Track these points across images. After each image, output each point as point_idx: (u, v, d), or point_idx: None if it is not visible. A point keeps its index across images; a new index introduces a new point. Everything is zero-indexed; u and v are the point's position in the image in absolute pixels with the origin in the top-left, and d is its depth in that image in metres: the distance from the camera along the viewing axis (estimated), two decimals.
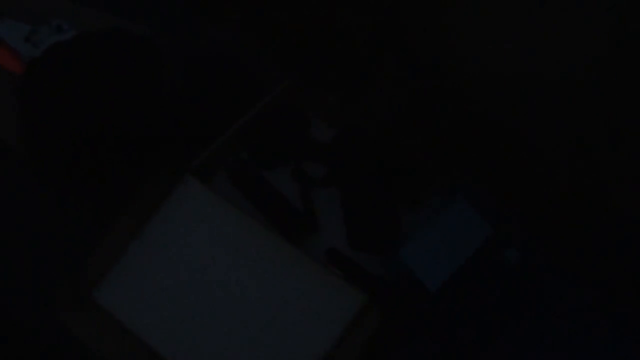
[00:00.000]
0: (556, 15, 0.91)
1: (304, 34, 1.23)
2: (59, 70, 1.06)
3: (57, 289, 0.96)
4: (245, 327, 0.94)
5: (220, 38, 1.25)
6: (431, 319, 1.00)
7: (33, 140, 1.05)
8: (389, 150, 1.07)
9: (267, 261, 0.97)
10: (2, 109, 1.14)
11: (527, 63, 1.00)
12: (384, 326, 0.96)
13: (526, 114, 1.07)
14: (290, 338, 0.93)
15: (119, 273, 0.99)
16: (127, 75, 1.05)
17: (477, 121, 1.13)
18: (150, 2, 1.29)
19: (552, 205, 1.08)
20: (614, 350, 0.99)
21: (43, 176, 1.10)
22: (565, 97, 1.01)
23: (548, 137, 1.06)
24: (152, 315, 0.96)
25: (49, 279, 1.01)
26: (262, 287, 0.96)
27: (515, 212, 1.08)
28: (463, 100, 1.13)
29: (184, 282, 0.98)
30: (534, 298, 1.03)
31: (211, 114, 1.12)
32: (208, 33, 1.26)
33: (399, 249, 0.98)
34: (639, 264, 1.04)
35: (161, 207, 1.01)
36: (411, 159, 1.06)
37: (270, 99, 1.10)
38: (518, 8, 0.94)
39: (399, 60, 1.17)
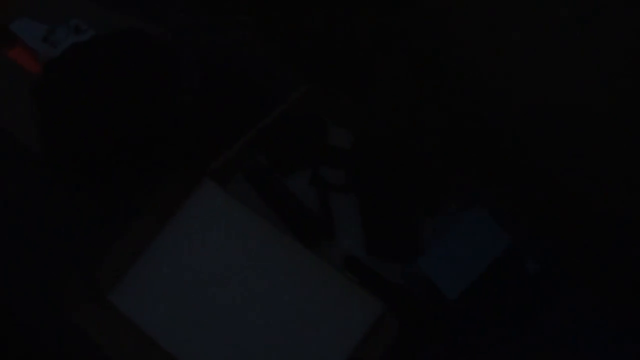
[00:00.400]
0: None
1: (312, 36, 1.23)
2: (77, 71, 1.06)
3: (71, 290, 0.95)
4: (260, 332, 0.93)
5: (233, 40, 1.25)
6: (449, 328, 0.99)
7: (50, 141, 1.05)
8: (404, 155, 1.06)
9: (284, 266, 0.96)
10: (18, 107, 1.14)
11: (539, 66, 0.99)
12: (402, 335, 0.95)
13: (543, 120, 1.06)
14: (307, 347, 0.92)
15: (135, 274, 0.98)
16: (146, 77, 1.05)
17: (495, 127, 1.12)
18: (168, 4, 1.29)
19: (573, 216, 1.07)
20: None
21: (60, 176, 1.09)
22: (583, 108, 1.00)
23: (564, 146, 1.05)
24: (167, 317, 0.95)
25: (63, 279, 1.00)
26: (278, 293, 0.95)
27: (535, 222, 1.07)
28: (484, 106, 1.12)
29: (199, 286, 0.97)
30: (551, 309, 1.01)
31: (228, 117, 1.12)
32: (221, 35, 1.25)
33: (418, 257, 0.97)
34: None
35: (178, 210, 1.01)
36: (427, 165, 1.05)
37: (289, 104, 1.09)
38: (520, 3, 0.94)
39: (404, 60, 1.16)
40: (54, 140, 1.06)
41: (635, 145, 0.97)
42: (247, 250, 0.98)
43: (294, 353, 0.92)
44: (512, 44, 1.00)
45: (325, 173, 1.08)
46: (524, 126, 1.08)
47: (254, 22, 1.27)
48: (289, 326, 0.93)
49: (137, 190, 1.06)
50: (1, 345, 0.99)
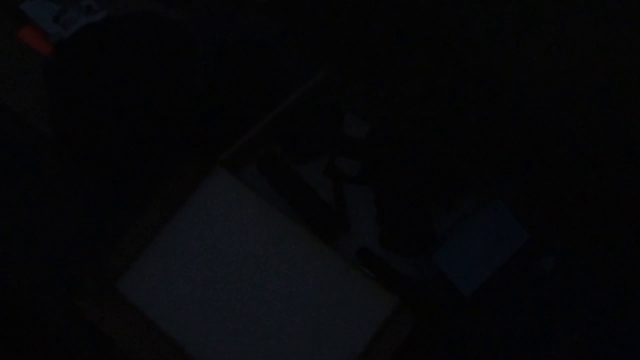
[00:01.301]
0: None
1: (334, 20, 1.21)
2: (90, 52, 1.03)
3: (80, 280, 0.94)
4: (271, 324, 0.92)
5: (249, 23, 1.22)
6: (464, 323, 0.97)
7: (62, 124, 1.03)
8: (421, 148, 1.04)
9: (297, 258, 0.95)
10: (27, 89, 1.12)
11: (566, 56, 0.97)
12: (416, 331, 0.93)
13: (568, 110, 1.04)
14: (319, 340, 0.90)
15: (145, 263, 0.96)
16: (159, 59, 1.03)
17: (516, 118, 1.10)
18: None
19: (595, 210, 1.05)
20: None
21: (71, 161, 1.07)
22: (612, 94, 0.98)
23: (592, 136, 1.03)
24: (176, 307, 0.94)
25: (73, 268, 0.99)
26: (290, 285, 0.93)
27: (555, 217, 1.05)
28: (501, 96, 1.10)
29: (210, 276, 0.95)
30: (568, 306, 1.00)
31: (243, 103, 1.09)
32: (237, 18, 1.23)
33: (433, 251, 0.95)
34: None
35: (189, 198, 0.99)
36: (446, 158, 1.03)
37: (303, 92, 1.07)
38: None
39: (432, 51, 1.14)
40: (66, 123, 1.04)
41: None
42: (259, 240, 0.96)
43: (305, 346, 0.90)
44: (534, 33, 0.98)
45: (340, 163, 1.06)
46: (548, 115, 1.06)
47: (271, 4, 1.24)
48: (300, 319, 0.92)
49: (149, 178, 1.04)
50: (9, 334, 0.98)
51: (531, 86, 1.06)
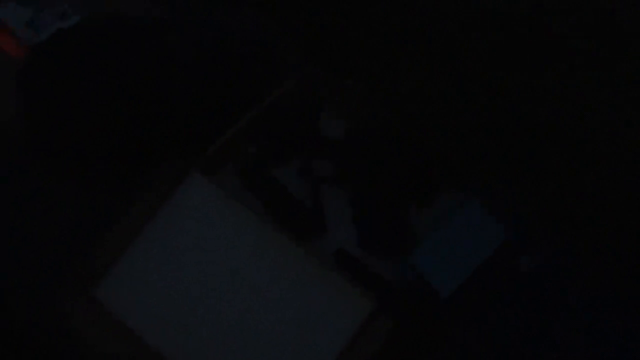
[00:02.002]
0: None
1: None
2: (62, 57, 1.02)
3: (58, 284, 0.93)
4: (248, 328, 0.91)
5: (238, 20, 1.21)
6: (442, 324, 0.97)
7: (35, 129, 1.02)
8: (398, 147, 1.03)
9: (273, 261, 0.94)
10: (2, 93, 1.11)
11: None
12: (394, 332, 0.93)
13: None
14: (297, 343, 0.90)
15: (122, 269, 0.96)
16: (133, 63, 1.02)
17: (496, 112, 1.09)
18: None
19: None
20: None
21: (45, 165, 1.06)
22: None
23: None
24: (154, 312, 0.93)
25: (50, 273, 0.98)
26: (266, 289, 0.93)
27: (536, 214, 1.05)
28: (483, 91, 1.09)
29: (186, 280, 0.94)
30: (547, 304, 1.00)
31: (221, 104, 1.09)
32: (222, 15, 1.22)
33: (410, 253, 0.95)
34: None
35: (166, 204, 0.98)
36: (422, 156, 1.03)
37: (280, 94, 1.06)
38: None
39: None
40: (39, 128, 1.03)
41: None
42: (236, 244, 0.95)
43: (284, 349, 0.90)
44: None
45: (316, 164, 1.05)
46: (530, 113, 1.06)
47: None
48: (278, 323, 0.91)
49: (124, 182, 1.03)
50: None
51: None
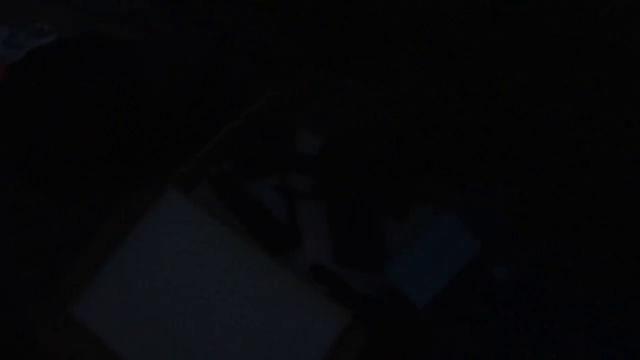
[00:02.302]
0: None
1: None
2: (39, 74, 1.03)
3: (33, 303, 0.93)
4: (225, 345, 0.91)
5: (233, 20, 1.22)
6: (418, 336, 0.97)
7: (12, 146, 1.02)
8: (373, 161, 1.04)
9: (250, 276, 0.94)
10: None
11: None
12: (371, 345, 0.93)
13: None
14: (273, 357, 0.90)
15: (97, 287, 0.96)
16: (108, 80, 1.02)
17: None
18: (137, 6, 1.26)
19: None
20: None
21: (21, 182, 1.06)
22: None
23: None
24: (130, 330, 0.93)
25: (25, 292, 0.98)
26: (243, 303, 0.93)
27: (512, 223, 1.06)
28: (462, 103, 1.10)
29: (163, 297, 0.95)
30: (521, 315, 1.00)
31: (195, 122, 1.09)
32: (222, 16, 1.22)
33: (385, 266, 0.96)
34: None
35: (142, 219, 0.98)
36: (398, 169, 1.04)
37: (256, 109, 1.07)
38: None
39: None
40: (16, 145, 1.03)
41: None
42: (211, 260, 0.96)
43: None
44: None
45: (293, 180, 1.06)
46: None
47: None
48: (254, 337, 0.91)
49: (101, 199, 1.04)
50: None
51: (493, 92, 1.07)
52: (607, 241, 1.04)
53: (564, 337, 0.97)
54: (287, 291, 0.93)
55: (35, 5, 1.20)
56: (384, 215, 1.04)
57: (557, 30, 1.03)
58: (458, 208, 1.04)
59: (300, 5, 1.22)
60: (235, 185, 1.02)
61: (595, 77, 1.04)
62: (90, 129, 1.00)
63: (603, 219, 1.05)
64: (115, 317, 0.94)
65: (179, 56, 1.18)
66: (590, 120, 1.04)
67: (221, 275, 0.95)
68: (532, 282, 1.01)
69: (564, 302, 0.99)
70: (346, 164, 1.03)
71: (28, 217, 1.04)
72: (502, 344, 0.97)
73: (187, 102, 1.10)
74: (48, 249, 1.01)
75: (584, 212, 1.05)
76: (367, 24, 1.17)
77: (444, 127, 1.10)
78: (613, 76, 1.03)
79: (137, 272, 0.96)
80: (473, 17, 1.05)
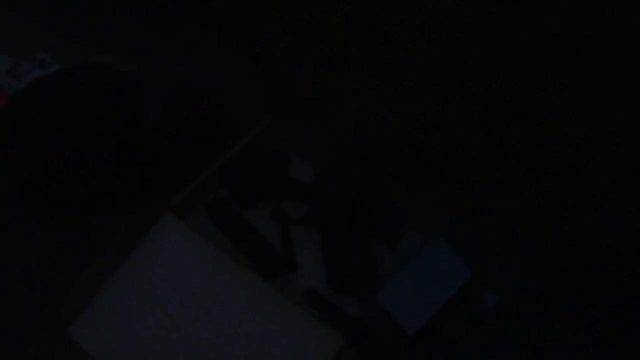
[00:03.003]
0: None
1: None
2: (39, 104, 1.06)
3: (33, 325, 0.94)
4: None
5: (201, 69, 1.25)
6: None
7: (14, 173, 1.05)
8: (365, 189, 1.06)
9: (245, 301, 0.96)
10: None
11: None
12: None
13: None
14: None
15: (95, 309, 0.97)
16: (107, 110, 1.05)
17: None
18: (135, 40, 1.30)
19: (538, 247, 1.07)
20: None
21: (23, 208, 1.09)
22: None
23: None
24: (126, 352, 0.95)
25: (25, 314, 0.99)
26: (237, 328, 0.95)
27: (498, 253, 1.08)
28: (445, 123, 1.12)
29: (160, 320, 0.96)
30: (511, 341, 1.02)
31: (192, 151, 1.12)
32: (189, 65, 1.26)
33: (377, 292, 0.98)
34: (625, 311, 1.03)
35: (139, 244, 1.00)
36: (389, 197, 1.06)
37: (251, 137, 1.10)
38: None
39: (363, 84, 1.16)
40: (18, 172, 1.06)
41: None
42: (207, 284, 0.98)
43: None
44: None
45: (287, 206, 1.09)
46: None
47: (223, 51, 1.27)
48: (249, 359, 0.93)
49: (100, 225, 1.06)
50: None
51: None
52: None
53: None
54: (280, 315, 0.95)
55: (36, 37, 1.24)
56: (376, 242, 1.06)
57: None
58: (448, 235, 1.06)
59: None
60: (231, 211, 1.04)
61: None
62: (90, 156, 1.03)
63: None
64: (111, 339, 0.95)
65: (173, 84, 1.21)
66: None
67: (216, 299, 0.97)
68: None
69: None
70: (340, 191, 1.05)
71: (26, 239, 1.06)
72: None
73: (183, 132, 1.13)
74: (46, 271, 1.03)
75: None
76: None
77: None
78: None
79: (134, 295, 0.98)
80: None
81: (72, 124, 1.04)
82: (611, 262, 1.06)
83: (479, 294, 1.04)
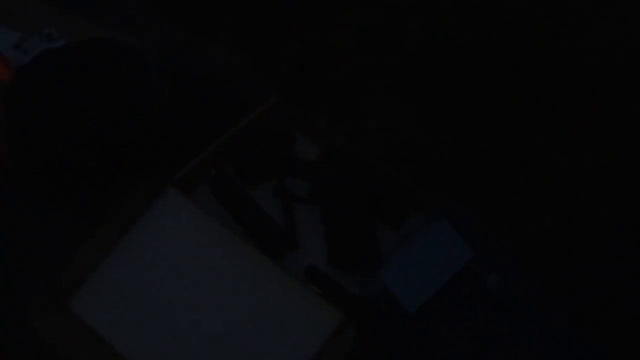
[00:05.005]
0: None
1: (298, 56, 1.23)
2: (46, 77, 1.06)
3: (32, 296, 0.95)
4: (221, 342, 0.93)
5: (212, 56, 1.26)
6: (409, 340, 0.99)
7: (18, 147, 1.05)
8: (370, 168, 1.06)
9: (245, 276, 0.96)
10: None
11: None
12: (361, 346, 0.95)
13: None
14: (265, 355, 0.92)
15: (96, 282, 0.98)
16: (114, 85, 1.05)
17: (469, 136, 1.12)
18: (143, 18, 1.30)
19: (543, 230, 1.07)
20: None
21: (27, 182, 1.09)
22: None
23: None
24: (127, 324, 0.95)
25: (26, 287, 1.00)
26: (238, 302, 0.95)
27: (502, 235, 1.08)
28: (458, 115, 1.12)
29: (160, 294, 0.96)
30: (511, 323, 1.02)
31: (198, 125, 1.12)
32: (200, 51, 1.26)
33: (379, 270, 0.98)
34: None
35: (141, 218, 1.01)
36: (394, 178, 1.06)
37: (256, 115, 1.10)
38: None
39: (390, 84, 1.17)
40: (22, 145, 1.06)
41: None
42: (209, 259, 0.98)
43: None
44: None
45: (291, 184, 1.09)
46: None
47: (238, 39, 1.27)
48: (248, 335, 0.93)
49: (102, 198, 1.06)
50: None
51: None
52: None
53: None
54: (280, 290, 0.95)
55: (43, 12, 1.24)
56: (380, 222, 1.06)
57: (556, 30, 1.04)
58: (453, 217, 1.06)
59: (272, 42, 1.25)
60: (235, 189, 1.04)
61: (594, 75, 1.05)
62: (95, 130, 1.03)
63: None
64: (112, 311, 0.96)
65: (179, 62, 1.21)
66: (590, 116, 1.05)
67: (217, 274, 0.97)
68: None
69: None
70: (344, 170, 1.05)
71: (27, 212, 1.06)
72: (492, 348, 0.98)
73: (190, 107, 1.13)
74: (47, 244, 1.04)
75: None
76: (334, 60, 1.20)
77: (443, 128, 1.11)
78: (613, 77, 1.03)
79: (135, 269, 0.98)
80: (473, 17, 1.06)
81: (78, 97, 1.04)
82: (613, 250, 1.06)
83: (481, 275, 1.03)
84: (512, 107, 1.09)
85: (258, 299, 0.95)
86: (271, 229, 1.02)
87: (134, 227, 1.00)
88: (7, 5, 1.25)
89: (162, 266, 0.98)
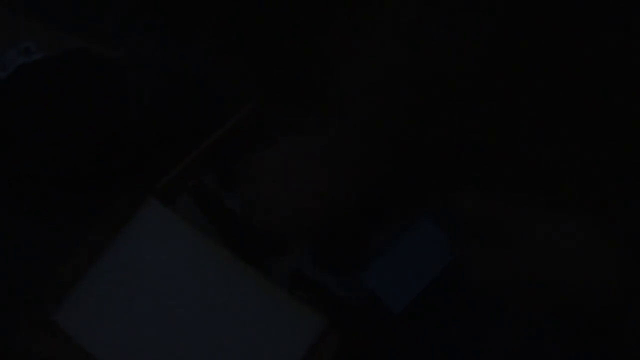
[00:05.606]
0: None
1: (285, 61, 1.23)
2: (23, 92, 1.06)
3: (14, 311, 0.95)
4: (205, 351, 0.93)
5: (197, 60, 1.25)
6: (395, 340, 0.99)
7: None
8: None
9: (228, 284, 0.96)
10: None
11: None
12: (348, 349, 0.94)
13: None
14: None
15: (80, 295, 0.98)
16: (92, 97, 1.05)
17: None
18: (123, 27, 1.29)
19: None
20: None
21: (5, 196, 1.09)
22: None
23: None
24: (111, 338, 0.95)
25: (6, 301, 1.00)
26: (222, 311, 0.95)
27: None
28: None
29: (144, 306, 0.96)
30: (500, 322, 1.01)
31: (177, 136, 1.12)
32: (184, 54, 1.25)
33: (362, 271, 0.97)
34: None
35: (123, 229, 1.01)
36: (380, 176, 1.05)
37: (236, 121, 1.09)
38: None
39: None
40: (4, 161, 1.06)
41: None
42: (192, 269, 0.98)
43: None
44: None
45: None
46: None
47: (224, 45, 1.27)
48: (232, 344, 0.93)
49: (82, 211, 1.06)
50: None
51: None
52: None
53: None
54: (264, 298, 0.95)
55: (21, 26, 1.23)
56: (366, 221, 1.05)
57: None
58: (434, 214, 1.05)
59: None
60: (215, 196, 1.04)
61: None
62: (72, 143, 1.03)
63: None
64: (97, 325, 0.96)
65: (163, 72, 1.21)
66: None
67: (200, 283, 0.97)
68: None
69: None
70: None
71: (9, 226, 1.06)
72: (482, 346, 0.98)
73: (169, 118, 1.13)
74: (29, 257, 1.04)
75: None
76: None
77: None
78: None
79: (119, 281, 0.98)
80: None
81: (55, 111, 1.04)
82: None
83: (465, 274, 1.03)
84: (507, 102, 1.08)
85: (241, 307, 0.95)
86: (252, 236, 1.02)
87: (116, 239, 1.00)
88: None
89: (145, 277, 0.98)
